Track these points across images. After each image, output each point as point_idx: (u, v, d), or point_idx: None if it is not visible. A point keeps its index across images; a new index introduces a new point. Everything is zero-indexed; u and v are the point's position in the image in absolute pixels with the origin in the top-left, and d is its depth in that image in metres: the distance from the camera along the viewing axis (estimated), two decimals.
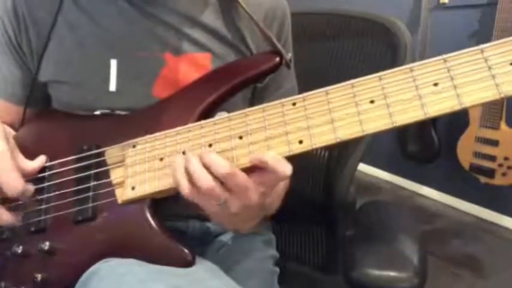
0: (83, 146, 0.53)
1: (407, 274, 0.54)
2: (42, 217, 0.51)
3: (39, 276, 0.49)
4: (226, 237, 0.66)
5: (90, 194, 0.50)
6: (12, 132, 0.60)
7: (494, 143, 1.75)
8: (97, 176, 0.51)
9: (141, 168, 0.49)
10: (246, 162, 0.43)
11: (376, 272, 0.54)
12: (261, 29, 0.56)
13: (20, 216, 0.51)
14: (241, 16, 0.59)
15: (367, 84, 0.42)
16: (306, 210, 0.80)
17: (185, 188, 0.42)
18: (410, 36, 0.70)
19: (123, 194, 0.49)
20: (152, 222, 0.48)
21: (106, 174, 0.51)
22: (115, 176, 0.50)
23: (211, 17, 0.58)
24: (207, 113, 0.51)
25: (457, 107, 0.39)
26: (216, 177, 0.41)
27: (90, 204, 0.50)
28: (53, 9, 0.56)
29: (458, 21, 1.93)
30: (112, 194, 0.50)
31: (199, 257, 0.50)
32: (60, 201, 0.52)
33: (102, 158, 0.51)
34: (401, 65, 0.41)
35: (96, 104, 0.57)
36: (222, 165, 0.41)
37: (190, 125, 0.48)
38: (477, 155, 1.82)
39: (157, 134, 0.49)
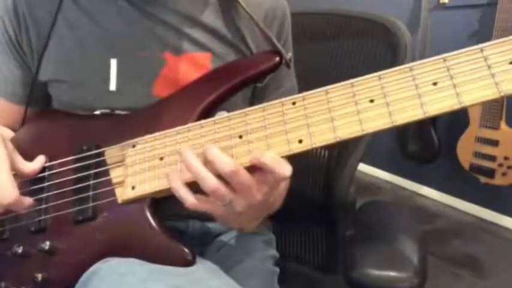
0: (82, 146, 0.53)
1: (407, 274, 0.54)
2: (42, 217, 0.51)
3: (39, 276, 0.49)
4: (226, 237, 0.66)
5: (90, 193, 0.50)
6: (11, 134, 0.60)
7: (494, 143, 1.75)
8: (97, 176, 0.51)
9: (141, 168, 0.49)
10: (246, 161, 0.43)
11: (376, 272, 0.54)
12: (261, 28, 0.56)
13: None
14: (241, 16, 0.59)
15: (366, 84, 0.42)
16: (306, 210, 0.80)
17: (188, 200, 0.42)
18: (410, 36, 0.70)
19: (123, 194, 0.49)
20: (152, 221, 0.48)
21: (106, 173, 0.51)
22: (115, 175, 0.50)
23: (211, 17, 0.58)
24: (207, 113, 0.51)
25: (457, 106, 0.39)
26: (219, 177, 0.41)
27: (90, 204, 0.50)
28: (53, 8, 0.56)
29: (458, 21, 1.93)
30: (112, 193, 0.50)
31: (200, 256, 0.50)
32: (60, 201, 0.52)
33: (102, 158, 0.52)
34: (401, 65, 0.41)
35: (96, 104, 0.57)
36: (226, 163, 0.40)
37: (190, 124, 0.48)
38: (477, 155, 1.82)
39: (157, 133, 0.49)
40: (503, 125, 1.72)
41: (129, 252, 0.47)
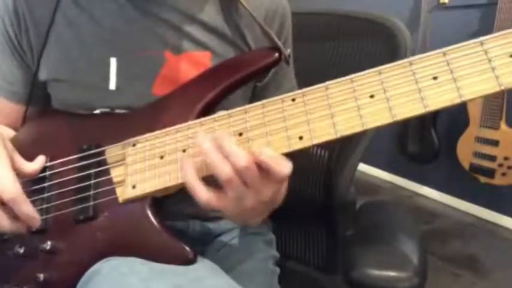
0: (83, 145, 0.53)
1: (407, 274, 0.54)
2: (43, 217, 0.51)
3: (41, 276, 0.49)
4: (226, 238, 0.66)
5: (91, 193, 0.50)
6: (10, 134, 0.60)
7: (494, 143, 1.75)
8: (97, 175, 0.51)
9: (142, 167, 0.49)
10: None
11: (376, 272, 0.54)
12: (261, 26, 0.56)
13: (22, 224, 0.49)
14: (241, 14, 0.59)
15: (366, 79, 0.42)
16: (306, 210, 0.80)
17: (203, 195, 0.42)
18: (410, 36, 0.70)
19: (123, 193, 0.49)
20: (153, 220, 0.48)
21: (106, 173, 0.51)
22: (115, 174, 0.50)
23: (211, 15, 0.58)
24: (207, 110, 0.51)
25: (457, 100, 0.38)
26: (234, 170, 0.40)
27: (91, 203, 0.50)
28: (52, 7, 0.56)
29: (458, 21, 1.93)
30: (113, 192, 0.50)
31: (200, 256, 0.50)
32: (61, 200, 0.52)
33: (102, 157, 0.51)
34: None
35: (95, 103, 0.57)
36: (242, 156, 0.40)
37: (190, 122, 0.48)
38: (477, 155, 1.82)
39: (157, 132, 0.49)
40: (503, 125, 1.72)
41: (130, 251, 0.47)
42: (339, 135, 0.41)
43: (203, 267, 0.48)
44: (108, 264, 0.45)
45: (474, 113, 1.79)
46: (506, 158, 1.73)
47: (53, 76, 0.58)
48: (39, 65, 0.58)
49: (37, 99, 0.62)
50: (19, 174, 0.51)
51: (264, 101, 0.45)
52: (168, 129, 0.49)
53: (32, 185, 0.53)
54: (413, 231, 0.64)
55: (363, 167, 2.56)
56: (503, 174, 1.75)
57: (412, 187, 2.32)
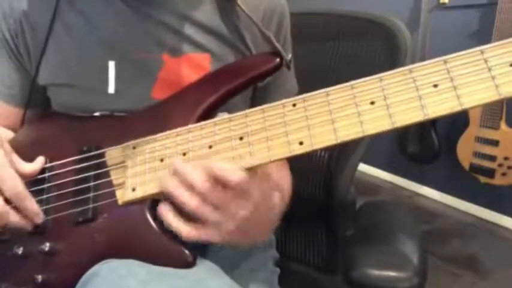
0: (83, 146, 0.53)
1: (407, 274, 0.54)
2: (42, 213, 0.51)
3: (39, 278, 0.49)
4: None
5: (91, 195, 0.50)
6: (8, 136, 0.60)
7: (494, 143, 1.75)
8: (97, 177, 0.51)
9: (142, 169, 0.49)
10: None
11: (376, 272, 0.54)
12: (260, 29, 0.56)
13: (27, 220, 0.50)
14: (239, 16, 0.59)
15: (367, 86, 0.42)
16: (306, 210, 0.80)
17: (180, 229, 0.44)
18: (410, 36, 0.70)
19: (123, 195, 0.49)
20: (153, 223, 0.48)
21: (106, 175, 0.51)
22: (115, 177, 0.50)
23: (209, 17, 0.57)
24: (208, 114, 0.51)
25: (457, 108, 0.39)
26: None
27: (91, 206, 0.50)
28: (49, 12, 0.56)
29: (458, 21, 1.93)
30: (112, 195, 0.50)
31: (200, 257, 0.50)
32: (60, 202, 0.51)
33: (102, 159, 0.51)
34: (401, 65, 0.42)
35: (95, 107, 0.56)
36: (194, 179, 0.42)
37: (190, 126, 0.48)
38: (477, 155, 1.82)
39: (157, 135, 0.49)
40: (503, 125, 1.72)
41: (129, 253, 0.47)
42: (339, 141, 0.41)
43: (203, 268, 0.48)
44: (107, 266, 0.45)
45: (474, 113, 1.79)
46: (506, 158, 1.73)
47: (52, 80, 0.58)
48: (38, 71, 0.58)
49: (36, 103, 0.61)
50: (18, 175, 0.50)
51: (265, 105, 0.45)
52: (168, 132, 0.49)
53: (31, 186, 0.52)
54: (413, 231, 0.64)
55: (363, 167, 2.56)
56: (503, 174, 1.75)
57: (412, 187, 2.32)
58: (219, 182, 0.42)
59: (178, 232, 0.44)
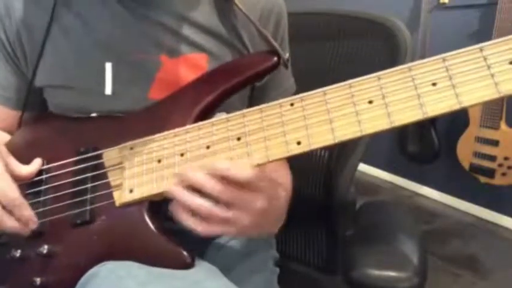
0: (80, 148, 0.52)
1: (407, 274, 0.54)
2: (40, 220, 0.51)
3: (38, 280, 0.49)
4: (226, 238, 0.66)
5: (88, 196, 0.50)
6: (5, 139, 0.60)
7: (494, 143, 1.75)
8: (94, 179, 0.51)
9: (139, 170, 0.48)
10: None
11: (376, 272, 0.54)
12: (258, 29, 0.56)
13: (23, 226, 0.50)
14: (237, 15, 0.58)
15: (365, 84, 0.41)
16: (306, 210, 0.80)
17: (194, 225, 0.44)
18: (410, 36, 0.70)
19: (120, 197, 0.49)
20: (151, 224, 0.48)
21: (104, 176, 0.50)
22: (113, 178, 0.50)
23: (206, 17, 0.57)
24: (205, 114, 0.51)
25: (456, 107, 0.38)
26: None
27: (88, 207, 0.50)
28: (46, 14, 0.56)
29: (458, 21, 1.93)
30: (110, 196, 0.50)
31: (199, 258, 0.50)
32: (57, 204, 0.51)
33: (99, 161, 0.51)
34: (401, 65, 0.41)
35: (92, 108, 0.56)
36: (204, 184, 0.42)
37: (188, 126, 0.48)
38: (477, 155, 1.82)
39: (155, 135, 0.49)
40: (503, 125, 1.72)
41: (128, 255, 0.47)
42: (337, 141, 0.41)
43: (201, 269, 0.48)
44: (106, 267, 0.45)
45: (474, 113, 1.79)
46: (506, 158, 1.73)
47: (49, 82, 0.58)
48: (35, 73, 0.58)
49: (33, 105, 0.61)
50: (14, 177, 0.50)
51: (262, 105, 0.45)
52: (166, 132, 0.49)
53: (28, 188, 0.52)
54: (413, 231, 0.64)
55: (363, 167, 2.56)
56: (503, 174, 1.75)
57: (412, 187, 2.32)
58: (229, 182, 0.42)
59: (193, 229, 0.43)
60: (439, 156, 1.99)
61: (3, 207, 0.48)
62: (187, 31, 0.56)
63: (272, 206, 0.46)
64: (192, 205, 0.43)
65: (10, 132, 0.61)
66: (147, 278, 0.43)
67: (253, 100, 0.63)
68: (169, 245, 0.47)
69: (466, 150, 1.86)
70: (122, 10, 0.55)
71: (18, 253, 0.50)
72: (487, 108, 1.73)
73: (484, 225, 1.95)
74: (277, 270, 0.67)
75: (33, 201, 0.51)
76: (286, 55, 0.55)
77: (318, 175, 0.79)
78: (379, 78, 0.41)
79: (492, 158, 1.77)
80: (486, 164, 1.79)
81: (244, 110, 0.46)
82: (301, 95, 0.44)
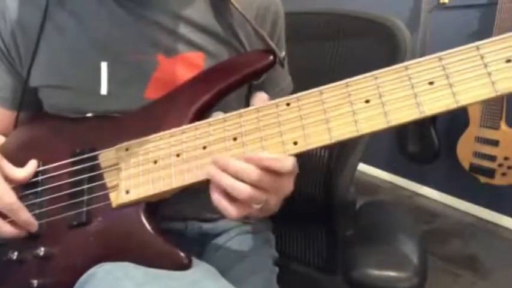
0: (76, 149, 0.52)
1: (407, 274, 0.54)
2: (37, 222, 0.50)
3: (35, 282, 0.49)
4: (224, 238, 0.66)
5: (84, 198, 0.50)
6: (1, 140, 0.59)
7: (494, 143, 1.75)
8: (91, 180, 0.50)
9: (135, 172, 0.48)
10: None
11: (376, 272, 0.54)
12: (254, 28, 0.56)
13: (21, 229, 0.50)
14: (233, 13, 0.58)
15: (361, 83, 0.41)
16: (306, 210, 0.80)
17: (228, 210, 0.43)
18: (410, 36, 0.70)
19: (117, 198, 0.49)
20: (147, 225, 0.48)
21: (100, 177, 0.50)
22: (109, 179, 0.50)
23: (203, 16, 0.57)
24: (202, 113, 0.51)
25: (453, 106, 0.38)
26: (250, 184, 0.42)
27: (85, 209, 0.49)
28: (40, 13, 0.55)
29: (458, 21, 1.93)
30: (106, 197, 0.49)
31: (197, 258, 0.50)
32: (54, 205, 0.51)
33: (96, 162, 0.51)
34: None
35: (87, 108, 0.56)
36: (250, 173, 0.41)
37: (184, 126, 0.48)
38: (477, 155, 1.82)
39: (150, 136, 0.49)
40: (503, 125, 1.72)
41: (125, 256, 0.46)
42: (333, 141, 0.41)
43: (199, 270, 0.48)
44: (103, 268, 0.45)
45: (474, 113, 1.79)
46: (506, 158, 1.73)
47: (44, 82, 0.57)
48: (29, 73, 0.57)
49: (28, 105, 0.60)
50: (9, 181, 0.50)
51: (259, 105, 0.45)
52: (162, 133, 0.48)
53: (24, 189, 0.52)
54: (413, 231, 0.64)
55: (362, 167, 2.56)
56: (503, 174, 1.75)
57: (412, 187, 2.32)
58: (269, 171, 0.42)
59: (228, 214, 0.43)
60: (439, 156, 1.99)
61: (0, 213, 0.48)
62: (183, 30, 0.56)
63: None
64: (232, 188, 0.42)
65: (5, 134, 0.61)
66: (145, 278, 0.43)
67: (251, 99, 0.63)
68: (166, 246, 0.47)
69: (466, 150, 1.86)
70: (119, 9, 0.55)
71: (15, 255, 0.50)
72: (487, 108, 1.73)
73: (484, 225, 1.95)
74: (277, 269, 0.67)
75: (29, 203, 0.51)
76: (283, 54, 0.54)
77: (318, 175, 0.79)
78: (375, 78, 0.41)
79: (492, 158, 1.76)
80: (486, 164, 1.79)
81: (241, 110, 0.45)
82: (297, 94, 0.44)
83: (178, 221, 0.63)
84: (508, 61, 0.37)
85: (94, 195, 0.50)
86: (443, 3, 1.95)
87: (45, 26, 0.56)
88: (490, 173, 1.78)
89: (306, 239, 0.82)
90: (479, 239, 1.85)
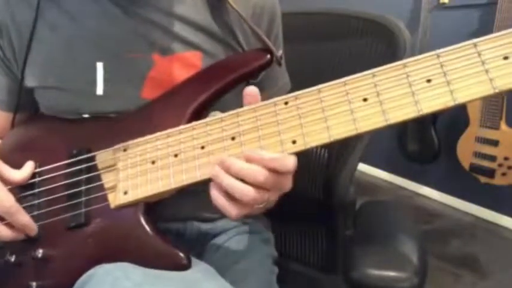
0: (73, 150, 0.52)
1: (407, 274, 0.54)
2: (36, 225, 0.50)
3: (33, 284, 0.48)
4: (224, 238, 0.66)
5: (82, 199, 0.50)
6: None
7: (494, 143, 1.75)
8: (88, 181, 0.50)
9: (133, 172, 0.48)
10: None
11: (376, 272, 0.54)
12: (251, 27, 0.55)
13: (20, 233, 0.50)
14: (229, 12, 0.58)
15: (359, 82, 0.41)
16: (306, 210, 0.80)
17: (232, 213, 0.43)
18: (410, 36, 0.70)
19: (115, 199, 0.48)
20: (146, 226, 0.48)
21: (98, 178, 0.50)
22: (107, 180, 0.50)
23: (199, 14, 0.56)
24: (199, 113, 0.51)
25: (451, 103, 0.38)
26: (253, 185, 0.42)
27: (83, 210, 0.49)
28: (33, 11, 0.54)
29: (458, 21, 1.93)
30: (104, 199, 0.49)
31: (196, 258, 0.50)
32: (51, 207, 0.51)
33: (93, 163, 0.51)
34: None
35: (83, 109, 0.55)
36: (256, 175, 0.41)
37: (181, 126, 0.47)
38: (477, 155, 1.82)
39: (148, 136, 0.48)
40: (503, 125, 1.72)
41: (124, 257, 0.46)
42: (332, 140, 0.41)
43: (198, 270, 0.47)
44: (102, 269, 0.44)
45: (474, 113, 1.79)
46: (506, 158, 1.73)
47: (39, 83, 0.57)
48: (24, 73, 0.56)
49: (25, 106, 0.60)
50: (6, 183, 0.50)
51: (257, 104, 0.44)
52: (159, 133, 0.48)
53: (21, 191, 0.52)
54: (413, 231, 0.64)
55: (362, 167, 2.56)
56: (503, 174, 1.75)
57: (412, 187, 2.32)
58: (272, 170, 0.42)
59: (228, 214, 0.43)
60: (439, 156, 1.99)
61: None
62: (179, 29, 0.55)
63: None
64: (235, 190, 0.42)
65: (1, 135, 0.60)
66: (144, 279, 0.43)
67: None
68: (165, 247, 0.47)
69: (466, 150, 1.86)
70: (114, 8, 0.54)
71: (13, 258, 0.50)
72: (487, 108, 1.73)
73: (483, 225, 1.95)
74: (276, 269, 0.67)
75: (27, 204, 0.51)
76: (280, 52, 0.54)
77: (318, 175, 0.78)
78: (373, 76, 0.41)
79: (492, 158, 1.77)
80: (486, 164, 1.79)
81: (239, 109, 0.45)
82: (295, 93, 0.43)
83: (177, 221, 0.63)
84: (506, 58, 0.37)
85: (92, 196, 0.50)
86: (443, 3, 1.95)
87: (38, 24, 0.55)
88: (490, 173, 1.78)
89: (306, 239, 0.82)
90: (479, 239, 1.85)
